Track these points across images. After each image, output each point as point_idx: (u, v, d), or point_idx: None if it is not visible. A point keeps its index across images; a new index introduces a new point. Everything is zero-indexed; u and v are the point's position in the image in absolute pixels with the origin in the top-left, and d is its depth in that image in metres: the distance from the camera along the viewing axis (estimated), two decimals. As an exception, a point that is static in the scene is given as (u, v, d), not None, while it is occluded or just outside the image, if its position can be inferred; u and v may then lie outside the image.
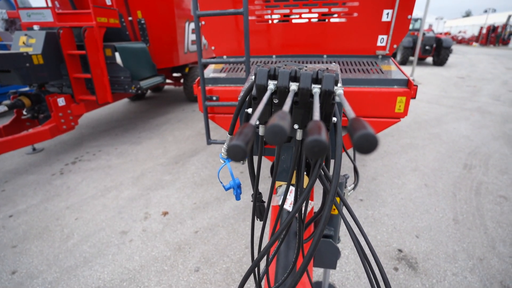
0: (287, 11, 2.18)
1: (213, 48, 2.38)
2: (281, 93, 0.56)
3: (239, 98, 0.83)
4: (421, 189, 3.00)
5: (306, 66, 0.59)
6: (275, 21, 2.28)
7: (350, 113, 0.34)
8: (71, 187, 3.15)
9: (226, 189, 0.96)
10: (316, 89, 0.52)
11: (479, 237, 2.32)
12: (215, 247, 2.26)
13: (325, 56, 2.31)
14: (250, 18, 2.27)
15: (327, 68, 0.57)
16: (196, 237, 2.37)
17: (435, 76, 10.01)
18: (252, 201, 0.92)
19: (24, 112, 3.78)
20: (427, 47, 12.36)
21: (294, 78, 0.55)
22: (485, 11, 36.70)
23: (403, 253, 2.17)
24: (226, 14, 1.73)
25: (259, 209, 0.90)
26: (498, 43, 27.80)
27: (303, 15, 2.19)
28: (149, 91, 7.85)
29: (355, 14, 2.07)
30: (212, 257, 2.17)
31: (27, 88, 4.39)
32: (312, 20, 2.19)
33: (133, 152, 4.04)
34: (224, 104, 1.97)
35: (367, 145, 0.24)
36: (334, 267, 1.43)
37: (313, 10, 2.13)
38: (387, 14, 2.03)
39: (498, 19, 33.03)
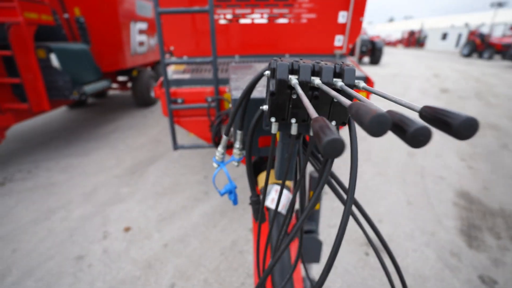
0: (248, 11, 2.16)
1: (172, 48, 2.24)
2: (301, 88, 0.53)
3: (231, 97, 0.77)
4: (375, 178, 3.27)
5: (302, 60, 0.58)
6: (238, 21, 2.25)
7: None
8: (1, 214, 2.66)
9: (222, 194, 0.90)
10: (339, 82, 0.50)
11: (428, 215, 2.62)
12: (188, 259, 2.13)
13: (287, 55, 2.36)
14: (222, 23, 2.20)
15: (343, 63, 0.56)
16: (167, 251, 2.21)
17: (373, 74, 11.08)
18: (249, 203, 0.87)
19: None
20: (363, 48, 13.62)
21: (313, 72, 0.52)
22: (405, 18, 41.94)
23: (370, 239, 2.33)
24: (190, 12, 1.64)
25: (258, 211, 0.86)
26: (417, 45, 32.10)
27: (264, 15, 2.20)
28: (90, 98, 7.11)
29: (314, 16, 2.16)
30: (187, 270, 2.04)
31: None
32: (276, 21, 2.22)
33: (80, 165, 3.60)
34: (191, 106, 1.87)
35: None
36: (318, 261, 1.46)
37: (274, 10, 2.16)
38: (343, 16, 2.16)
39: (415, 25, 38.06)
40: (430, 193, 2.96)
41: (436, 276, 1.98)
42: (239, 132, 0.80)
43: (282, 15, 2.20)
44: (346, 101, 0.34)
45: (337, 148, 0.25)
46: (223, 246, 2.25)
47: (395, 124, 0.26)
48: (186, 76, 2.00)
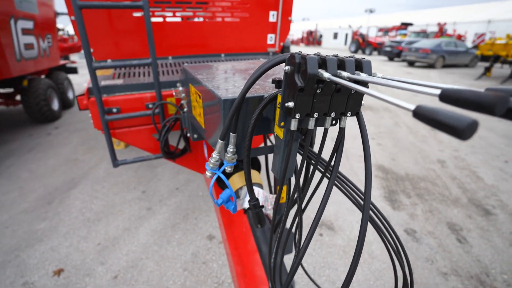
0: (179, 9, 2.03)
1: (92, 50, 1.92)
2: (327, 82, 0.54)
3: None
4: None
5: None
6: (167, 20, 2.08)
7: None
8: None
9: (219, 205, 0.83)
10: (362, 75, 0.53)
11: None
12: (148, 285, 1.90)
13: (222, 55, 2.33)
14: (136, 15, 1.98)
15: (352, 55, 0.60)
16: (118, 283, 1.91)
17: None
18: (248, 208, 0.83)
19: None
20: (274, 48, 14.63)
21: (338, 66, 0.54)
22: (303, 19, 47.02)
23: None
24: (120, 7, 1.42)
25: (258, 216, 0.83)
26: (315, 43, 36.45)
27: (197, 13, 2.11)
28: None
29: (247, 15, 2.19)
30: (148, 297, 1.82)
31: None
32: (210, 20, 2.15)
33: (-37, 206, 2.74)
34: (132, 115, 1.65)
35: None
36: (291, 251, 1.52)
37: (207, 9, 2.10)
38: (273, 15, 2.26)
39: (311, 26, 43.02)
40: (357, 171, 3.44)
41: (377, 239, 2.32)
42: (232, 135, 0.76)
43: (214, 14, 2.16)
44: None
45: (474, 128, 0.27)
46: (183, 260, 2.09)
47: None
48: (119, 81, 1.75)
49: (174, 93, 1.61)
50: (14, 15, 4.15)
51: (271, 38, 2.37)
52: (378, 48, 21.40)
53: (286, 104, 0.57)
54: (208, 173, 0.80)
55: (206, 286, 1.89)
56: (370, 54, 22.03)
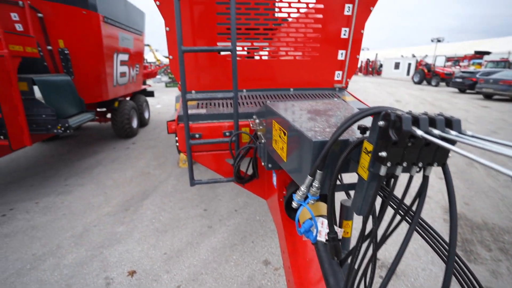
0: (265, 53, 2.30)
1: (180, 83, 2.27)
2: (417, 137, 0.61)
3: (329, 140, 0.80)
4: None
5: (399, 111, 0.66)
6: (246, 58, 2.36)
7: None
8: (-22, 266, 2.33)
9: (301, 233, 0.92)
10: (452, 133, 0.59)
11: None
12: (206, 300, 2.02)
13: (291, 89, 2.50)
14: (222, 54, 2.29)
15: (441, 113, 0.65)
16: (181, 293, 2.07)
17: (342, 101, 11.86)
18: (327, 240, 0.90)
19: None
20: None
21: (431, 123, 0.61)
22: (362, 49, 46.44)
23: (381, 261, 2.41)
24: (213, 51, 1.71)
25: (335, 248, 0.89)
26: (375, 73, 35.29)
27: (280, 53, 2.33)
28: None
29: (317, 54, 2.35)
30: (207, 312, 1.93)
31: None
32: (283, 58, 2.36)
33: (63, 204, 3.31)
34: (212, 141, 1.88)
35: None
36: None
37: (289, 53, 2.31)
38: (342, 53, 2.38)
39: (370, 55, 42.14)
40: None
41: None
42: (319, 172, 0.85)
43: (287, 53, 2.36)
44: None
45: None
46: (240, 282, 2.17)
47: None
48: (203, 111, 2.02)
49: (251, 124, 1.79)
50: (117, 50, 5.07)
51: (338, 75, 2.48)
52: (446, 79, 19.78)
53: (379, 154, 0.65)
54: (294, 204, 0.90)
55: (261, 312, 1.92)
56: (437, 85, 20.43)
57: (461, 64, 24.56)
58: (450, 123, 0.62)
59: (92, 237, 2.70)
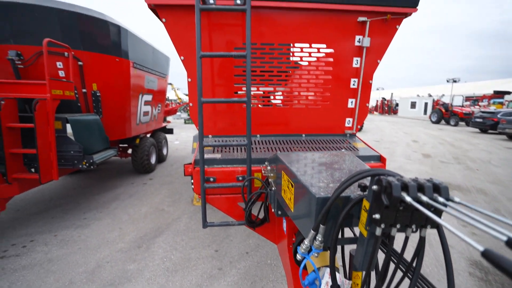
0: (278, 101, 2.47)
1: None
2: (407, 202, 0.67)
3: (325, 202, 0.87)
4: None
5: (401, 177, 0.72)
6: (260, 105, 2.53)
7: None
8: (-6, 299, 2.40)
9: (305, 286, 0.94)
10: (440, 199, 0.64)
11: None
12: None
13: (303, 135, 2.61)
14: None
15: (430, 178, 0.71)
16: None
17: (357, 140, 11.84)
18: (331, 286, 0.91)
19: None
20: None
21: (419, 189, 0.67)
22: (377, 89, 47.16)
23: None
24: (230, 102, 1.87)
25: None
26: (390, 112, 35.30)
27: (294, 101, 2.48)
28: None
29: (327, 103, 2.48)
30: None
31: None
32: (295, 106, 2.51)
33: (80, 238, 3.40)
34: (226, 185, 1.97)
35: None
36: None
37: (301, 102, 2.47)
38: (351, 102, 2.51)
39: (385, 95, 42.58)
40: (443, 264, 2.98)
41: None
42: (322, 227, 0.90)
43: (299, 102, 2.51)
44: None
45: None
46: (247, 333, 2.09)
47: None
48: (218, 155, 2.14)
49: (262, 170, 1.88)
50: (142, 92, 5.51)
51: (349, 121, 2.58)
52: (465, 118, 19.47)
53: (373, 216, 0.71)
54: (299, 257, 0.94)
55: None
56: (456, 125, 20.07)
57: (480, 103, 24.23)
58: (438, 189, 0.68)
59: (104, 273, 2.73)
